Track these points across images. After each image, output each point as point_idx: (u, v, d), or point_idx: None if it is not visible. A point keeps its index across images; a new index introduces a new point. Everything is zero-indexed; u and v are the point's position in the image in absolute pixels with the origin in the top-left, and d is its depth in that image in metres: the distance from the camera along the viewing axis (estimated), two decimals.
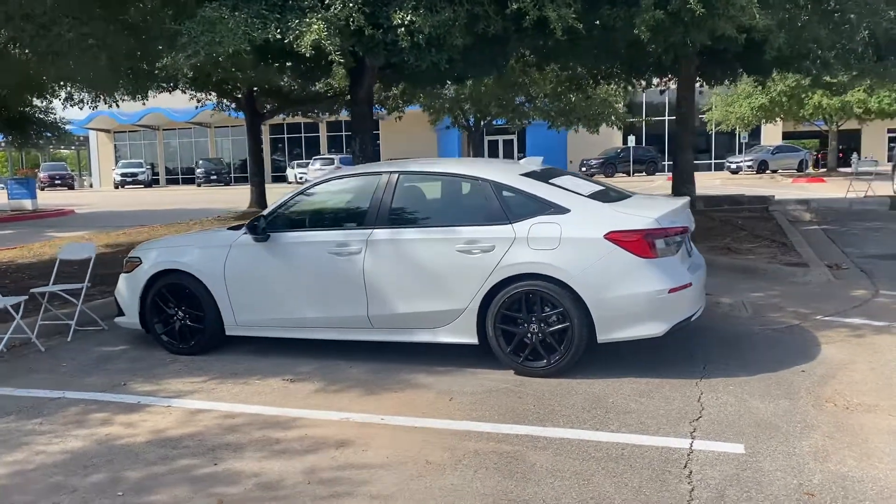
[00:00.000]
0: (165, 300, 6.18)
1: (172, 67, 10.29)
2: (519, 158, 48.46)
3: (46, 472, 3.98)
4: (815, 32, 10.15)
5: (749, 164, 41.27)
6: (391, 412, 4.65)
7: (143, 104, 16.17)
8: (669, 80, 14.63)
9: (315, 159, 42.73)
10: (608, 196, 5.64)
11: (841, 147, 41.44)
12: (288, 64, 10.02)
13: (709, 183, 27.99)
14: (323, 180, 6.03)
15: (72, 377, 5.67)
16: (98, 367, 5.92)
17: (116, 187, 47.20)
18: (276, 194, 12.22)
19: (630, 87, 16.24)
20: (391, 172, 5.74)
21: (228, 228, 6.61)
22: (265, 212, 6.02)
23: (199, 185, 46.68)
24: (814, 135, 44.48)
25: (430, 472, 3.80)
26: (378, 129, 42.95)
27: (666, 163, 46.02)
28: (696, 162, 47.15)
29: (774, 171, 39.14)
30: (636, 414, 4.47)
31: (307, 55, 7.78)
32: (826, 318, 6.57)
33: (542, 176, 5.62)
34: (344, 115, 22.74)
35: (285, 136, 50.21)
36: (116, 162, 50.93)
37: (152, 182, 49.49)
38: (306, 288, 5.75)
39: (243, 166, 45.59)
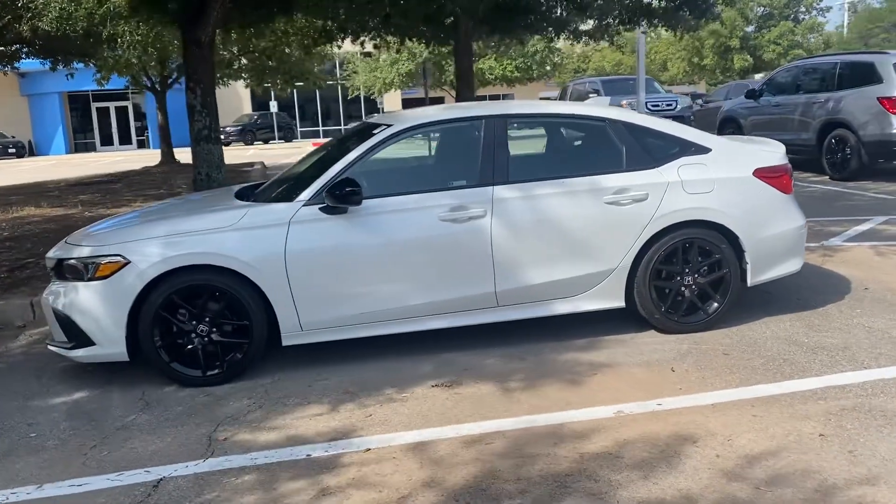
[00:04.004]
0: (175, 312, 4.25)
1: None
2: (140, 127, 43.82)
3: None
4: None
5: None
6: (645, 396, 3.87)
7: None
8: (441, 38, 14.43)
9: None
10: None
11: None
12: None
13: None
14: (400, 131, 4.66)
15: (114, 449, 3.59)
16: (124, 421, 3.85)
17: None
18: None
19: (392, 45, 15.64)
20: (496, 117, 4.68)
21: (238, 195, 4.84)
22: (327, 176, 4.45)
23: None
24: (436, 100, 48.35)
25: (847, 440, 3.27)
26: None
27: (301, 129, 46.18)
28: (329, 128, 47.89)
29: None
30: (847, 348, 4.40)
31: None
32: None
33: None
34: None
35: None
36: None
37: None
38: (410, 267, 4.45)
39: None
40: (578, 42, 15.47)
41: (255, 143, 40.10)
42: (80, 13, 10.12)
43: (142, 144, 41.73)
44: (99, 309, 4.20)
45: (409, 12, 12.05)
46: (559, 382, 4.11)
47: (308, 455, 3.41)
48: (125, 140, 42.31)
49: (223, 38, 16.30)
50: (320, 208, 4.36)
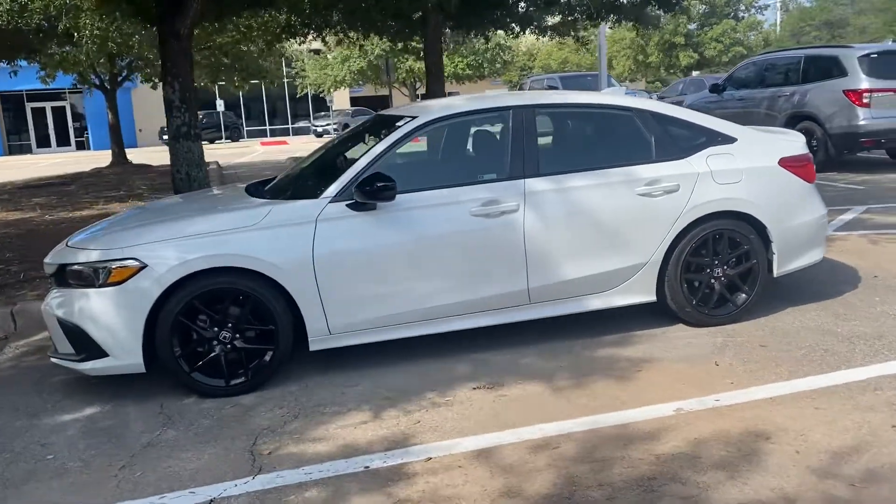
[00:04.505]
0: (195, 318, 3.97)
1: None
2: (78, 127, 41.97)
3: None
4: None
5: (335, 127, 42.90)
6: (699, 392, 3.76)
7: None
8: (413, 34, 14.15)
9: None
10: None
11: None
12: None
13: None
14: (426, 122, 4.45)
15: (142, 468, 3.30)
16: (151, 437, 3.55)
17: None
18: None
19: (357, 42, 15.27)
20: (524, 107, 4.52)
21: (249, 189, 4.59)
22: (353, 171, 4.22)
23: None
24: (384, 98, 47.86)
25: None
26: None
27: (247, 129, 45.28)
28: (276, 127, 47.05)
29: None
30: (883, 337, 4.39)
31: None
32: None
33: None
34: None
35: None
36: None
37: None
38: (442, 265, 4.25)
39: None
40: (543, 37, 15.43)
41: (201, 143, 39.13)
42: (35, 5, 9.57)
43: (81, 146, 40.25)
44: (113, 317, 3.89)
45: (384, 6, 11.79)
46: (605, 380, 3.98)
47: (367, 467, 3.19)
48: (63, 141, 40.75)
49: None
50: (348, 205, 4.13)
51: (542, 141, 4.52)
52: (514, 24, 13.65)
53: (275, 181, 5.04)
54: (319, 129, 42.82)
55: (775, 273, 4.81)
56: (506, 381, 4.02)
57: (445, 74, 36.72)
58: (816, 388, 3.73)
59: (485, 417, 3.61)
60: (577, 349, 4.46)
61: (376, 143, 4.33)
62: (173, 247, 3.94)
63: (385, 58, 19.61)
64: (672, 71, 42.75)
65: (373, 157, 4.25)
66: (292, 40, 15.89)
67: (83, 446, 3.58)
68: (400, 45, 16.69)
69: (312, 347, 4.18)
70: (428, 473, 3.11)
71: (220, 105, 39.43)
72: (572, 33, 15.24)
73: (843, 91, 11.13)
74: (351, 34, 15.02)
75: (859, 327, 4.55)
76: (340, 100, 47.39)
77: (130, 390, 4.17)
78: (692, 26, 42.03)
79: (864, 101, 10.96)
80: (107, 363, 3.96)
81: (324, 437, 3.51)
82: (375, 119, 5.24)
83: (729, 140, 4.76)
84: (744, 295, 4.73)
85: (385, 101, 47.55)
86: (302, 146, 29.69)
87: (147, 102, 35.43)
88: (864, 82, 10.95)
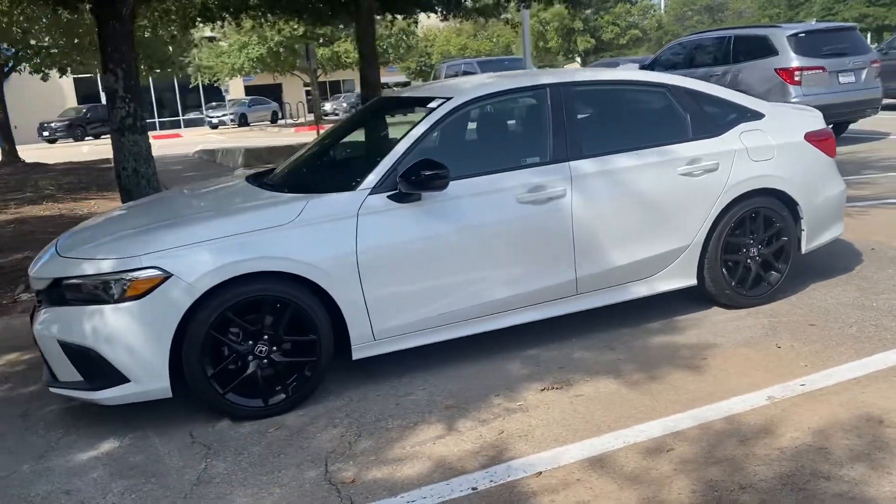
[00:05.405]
0: (226, 331, 3.49)
1: None
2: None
3: None
4: None
5: (231, 117, 41.26)
6: (779, 378, 3.61)
7: None
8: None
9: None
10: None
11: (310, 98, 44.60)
12: None
13: (258, 136, 27.21)
14: (464, 103, 4.07)
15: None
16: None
17: None
18: None
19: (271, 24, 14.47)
20: (561, 84, 4.22)
21: (251, 182, 4.12)
22: (391, 159, 3.80)
23: None
24: (276, 87, 46.26)
25: None
26: None
27: (155, 120, 42.74)
28: (166, 119, 44.76)
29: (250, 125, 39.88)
30: None
31: None
32: None
33: None
34: None
35: None
36: None
37: None
38: (491, 258, 3.92)
39: None
40: (469, 20, 15.18)
41: (87, 138, 36.73)
42: None
43: None
44: (134, 336, 3.34)
45: None
46: (677, 371, 3.77)
47: (474, 489, 2.85)
48: None
49: (67, 22, 14.52)
50: (389, 196, 3.73)
51: (582, 121, 4.26)
52: (439, 8, 13.32)
53: (281, 171, 4.54)
54: (215, 121, 41.08)
55: (803, 249, 4.75)
56: (571, 380, 3.75)
57: (349, 61, 36.09)
58: (892, 365, 3.66)
59: (572, 421, 3.33)
60: (625, 339, 4.24)
61: (411, 128, 3.93)
62: (201, 251, 3.42)
63: (306, 44, 18.78)
64: (570, 56, 43.53)
65: (411, 143, 3.85)
66: (203, 25, 14.95)
67: (119, 489, 3.05)
68: (322, 30, 16.12)
69: (356, 356, 3.76)
70: (547, 491, 2.79)
71: (105, 98, 37.02)
72: (496, 14, 15.04)
73: (775, 69, 11.45)
74: (270, 18, 14.29)
75: (892, 300, 4.54)
76: (234, 89, 45.61)
77: (141, 419, 3.63)
78: (588, 11, 42.88)
79: (796, 78, 11.31)
80: (127, 390, 3.41)
81: (405, 456, 3.13)
82: (382, 102, 4.81)
83: (758, 116, 4.64)
84: (776, 274, 4.64)
85: (279, 90, 46.19)
86: (198, 139, 28.37)
87: (22, 97, 32.95)
88: (795, 61, 11.30)
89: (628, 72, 4.68)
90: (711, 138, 4.44)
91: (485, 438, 3.23)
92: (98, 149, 26.72)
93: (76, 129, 37.52)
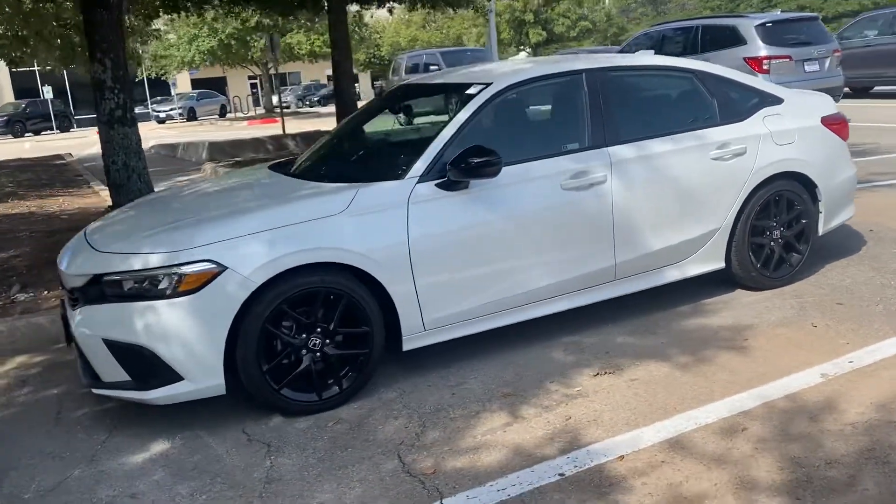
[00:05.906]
0: (279, 325, 3.40)
1: None
2: None
3: None
4: None
5: (179, 111, 40.30)
6: (825, 356, 3.68)
7: None
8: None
9: None
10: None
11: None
12: None
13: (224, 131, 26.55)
14: (504, 89, 4.02)
15: None
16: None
17: None
18: None
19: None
20: (596, 70, 4.23)
21: (274, 170, 4.03)
22: (437, 147, 3.74)
23: None
24: (221, 80, 45.37)
25: None
26: None
27: (77, 117, 41.40)
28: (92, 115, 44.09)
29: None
30: None
31: None
32: None
33: None
34: None
35: None
36: None
37: None
38: (537, 245, 3.91)
39: None
40: (423, 9, 15.06)
41: (26, 134, 35.37)
42: None
43: None
44: (190, 332, 3.22)
45: None
46: (724, 353, 3.82)
47: (561, 474, 2.83)
48: None
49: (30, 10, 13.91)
50: (437, 184, 3.68)
51: (617, 107, 4.25)
52: None
53: (310, 160, 4.44)
54: (162, 115, 40.09)
55: (820, 231, 4.86)
56: (621, 365, 3.77)
57: (302, 52, 35.59)
58: None
59: (636, 405, 3.34)
60: (663, 323, 4.28)
61: (454, 114, 3.89)
62: (255, 243, 3.32)
63: (269, 34, 18.40)
64: (521, 48, 43.72)
65: (455, 130, 3.80)
66: (167, 16, 14.54)
67: (186, 491, 2.94)
68: (274, 20, 15.80)
69: (406, 347, 3.70)
70: (637, 474, 2.80)
71: (47, 92, 35.73)
72: (450, 6, 14.96)
73: (744, 58, 11.68)
74: (235, 8, 13.99)
75: None
76: (180, 83, 44.57)
77: (185, 418, 3.51)
78: (538, 1, 43.19)
79: (765, 67, 11.57)
80: (180, 388, 3.28)
81: (479, 445, 3.10)
82: (409, 88, 4.74)
83: (778, 100, 4.73)
84: (798, 255, 4.75)
85: (224, 83, 45.26)
86: (148, 133, 27.41)
87: None
88: (763, 50, 11.57)
89: (657, 57, 4.69)
90: (738, 123, 4.50)
91: (553, 425, 3.22)
92: (41, 145, 25.84)
93: (15, 125, 36.04)
